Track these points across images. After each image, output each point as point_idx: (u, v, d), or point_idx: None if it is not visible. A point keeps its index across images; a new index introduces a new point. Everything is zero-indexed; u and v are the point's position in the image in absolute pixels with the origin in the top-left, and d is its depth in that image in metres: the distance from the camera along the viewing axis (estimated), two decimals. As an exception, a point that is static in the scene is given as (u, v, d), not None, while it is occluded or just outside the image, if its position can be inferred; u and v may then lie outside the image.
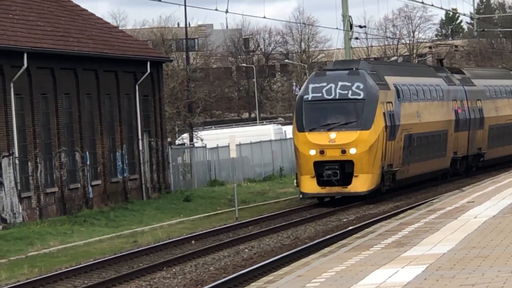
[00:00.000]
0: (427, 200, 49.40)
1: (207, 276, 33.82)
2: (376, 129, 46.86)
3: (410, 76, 59.40)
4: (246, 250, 39.38)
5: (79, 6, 66.63)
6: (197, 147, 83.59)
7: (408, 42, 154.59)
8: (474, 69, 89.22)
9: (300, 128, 47.70)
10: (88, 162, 57.44)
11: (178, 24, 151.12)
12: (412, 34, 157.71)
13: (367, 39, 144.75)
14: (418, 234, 29.55)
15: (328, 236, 41.49)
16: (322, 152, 45.94)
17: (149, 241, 43.87)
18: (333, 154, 45.90)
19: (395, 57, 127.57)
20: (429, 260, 23.38)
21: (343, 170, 46.68)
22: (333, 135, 46.25)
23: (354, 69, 50.24)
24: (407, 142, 54.52)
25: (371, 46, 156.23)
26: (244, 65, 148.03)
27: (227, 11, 60.77)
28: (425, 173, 60.61)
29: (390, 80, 52.80)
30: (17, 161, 49.86)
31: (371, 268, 22.18)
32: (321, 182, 48.09)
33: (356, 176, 46.04)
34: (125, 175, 61.64)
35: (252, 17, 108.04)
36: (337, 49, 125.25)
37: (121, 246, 42.40)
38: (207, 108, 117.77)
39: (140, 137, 63.98)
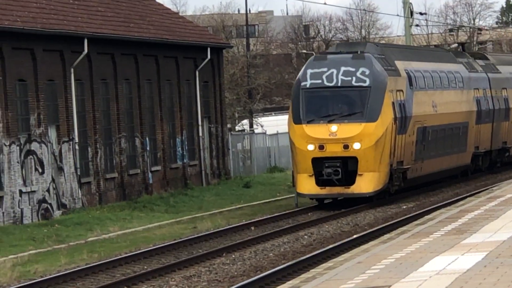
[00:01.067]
0: (487, 188, 49.03)
1: (267, 262, 34.00)
2: (384, 121, 39.75)
3: (425, 61, 51.87)
4: (306, 236, 39.57)
5: (139, -9, 66.46)
6: (257, 134, 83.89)
7: (468, 29, 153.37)
8: (499, 55, 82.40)
9: (296, 120, 40.47)
10: (148, 148, 57.81)
11: (239, 11, 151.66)
12: (472, 22, 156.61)
13: (427, 26, 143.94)
14: (478, 222, 29.59)
15: (387, 223, 41.35)
16: (321, 147, 39.03)
17: (208, 227, 44.20)
18: (334, 150, 39.05)
19: (455, 45, 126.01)
20: (489, 248, 23.20)
21: (345, 168, 39.78)
22: (334, 127, 39.08)
23: (359, 52, 42.85)
24: (420, 136, 47.21)
25: (431, 33, 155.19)
26: (304, 51, 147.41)
27: (287, -2, 60.69)
28: (442, 171, 53.03)
29: (401, 65, 45.79)
30: (77, 147, 50.30)
31: (431, 255, 22.15)
32: (320, 182, 40.77)
33: (361, 175, 39.19)
34: (184, 161, 62.13)
35: (312, 3, 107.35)
36: (398, 36, 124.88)
37: (181, 232, 42.66)
38: (267, 95, 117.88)
39: (200, 123, 64.42)
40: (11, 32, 46.28)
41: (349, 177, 39.58)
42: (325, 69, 40.50)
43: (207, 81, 66.93)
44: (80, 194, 50.41)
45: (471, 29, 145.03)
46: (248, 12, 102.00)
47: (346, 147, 38.82)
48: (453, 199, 47.72)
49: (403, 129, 43.37)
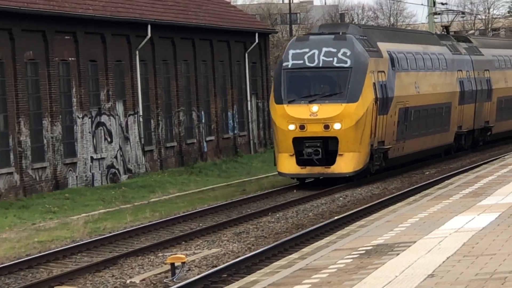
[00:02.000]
0: (500, 156, 48.62)
1: (307, 221, 34.24)
2: (365, 101, 35.50)
3: (408, 43, 46.65)
4: (341, 198, 39.64)
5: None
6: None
7: (483, 17, 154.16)
8: (482, 38, 74.47)
9: (278, 100, 36.16)
10: (203, 121, 58.90)
11: (283, 1, 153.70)
12: (487, 11, 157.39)
13: (447, 14, 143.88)
14: (492, 186, 30.08)
15: (413, 187, 41.01)
16: (302, 127, 34.77)
17: (255, 189, 44.40)
18: (315, 130, 34.82)
19: (472, 31, 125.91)
20: (501, 209, 23.44)
21: (326, 148, 35.54)
22: (315, 108, 34.87)
23: (340, 33, 38.36)
24: (402, 117, 42.10)
25: (452, 21, 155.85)
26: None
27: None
28: (424, 150, 47.99)
29: (384, 46, 40.89)
30: (141, 119, 51.46)
31: (451, 215, 22.44)
32: (301, 162, 36.54)
33: (341, 154, 35.10)
34: (235, 132, 63.47)
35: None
36: (422, 23, 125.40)
37: (231, 194, 43.20)
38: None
39: (248, 98, 65.72)
40: (84, 19, 47.05)
41: (330, 157, 35.66)
42: (306, 50, 36.45)
43: (255, 62, 68.38)
44: (143, 160, 51.48)
45: (486, 17, 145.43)
46: (291, 2, 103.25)
47: (326, 127, 34.93)
48: (470, 166, 47.29)
49: (384, 110, 38.99)
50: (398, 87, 41.04)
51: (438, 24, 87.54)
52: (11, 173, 41.51)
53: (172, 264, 25.33)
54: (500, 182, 30.45)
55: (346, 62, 35.79)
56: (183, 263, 25.90)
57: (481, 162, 47.68)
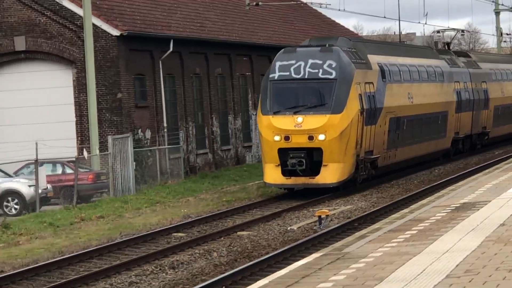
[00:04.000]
0: None
1: (413, 186, 34.02)
2: (349, 112, 28.37)
3: (403, 56, 37.81)
4: (436, 170, 39.44)
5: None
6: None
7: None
8: (481, 54, 65.24)
9: (264, 111, 29.27)
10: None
11: (394, 33, 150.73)
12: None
13: (511, 42, 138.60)
14: None
15: (487, 162, 40.10)
16: (287, 138, 27.85)
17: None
18: (300, 141, 27.95)
19: None
20: None
21: (311, 158, 28.61)
22: (299, 119, 28.05)
23: (327, 45, 31.09)
24: (393, 126, 33.88)
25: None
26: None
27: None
28: (420, 156, 39.00)
29: (374, 59, 33.10)
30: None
31: None
32: (286, 172, 29.25)
33: (326, 165, 27.94)
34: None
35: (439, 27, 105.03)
36: (492, 47, 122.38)
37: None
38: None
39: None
40: (256, 46, 46.81)
41: (315, 167, 28.41)
42: (293, 62, 29.32)
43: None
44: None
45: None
46: (400, 33, 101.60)
47: (311, 138, 27.84)
48: None
49: (372, 120, 31.15)
50: (388, 98, 32.85)
51: (504, 48, 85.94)
52: (206, 153, 42.65)
53: (319, 216, 25.22)
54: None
55: (331, 74, 28.54)
56: (327, 215, 25.83)
57: None
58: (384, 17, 53.93)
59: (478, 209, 18.42)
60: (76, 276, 18.60)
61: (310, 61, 28.91)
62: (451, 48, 47.74)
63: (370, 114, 30.30)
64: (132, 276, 18.43)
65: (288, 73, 29.02)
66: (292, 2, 53.09)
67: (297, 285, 12.90)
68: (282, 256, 19.81)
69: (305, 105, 28.48)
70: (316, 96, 28.85)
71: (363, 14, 74.50)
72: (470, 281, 11.16)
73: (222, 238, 23.83)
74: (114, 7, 39.02)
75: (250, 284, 14.81)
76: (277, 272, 14.44)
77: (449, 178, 34.19)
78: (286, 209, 28.54)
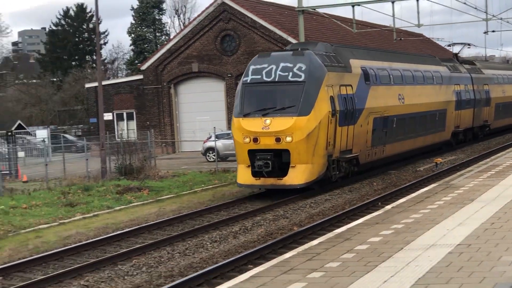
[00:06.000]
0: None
1: (491, 145, 41.38)
2: (317, 114, 26.34)
3: (397, 62, 35.85)
4: (461, 154, 39.27)
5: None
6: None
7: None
8: (486, 62, 66.03)
9: (236, 114, 27.68)
10: None
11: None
12: None
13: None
14: None
15: (504, 145, 42.72)
16: (255, 140, 26.10)
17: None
18: (268, 143, 26.02)
19: None
20: None
21: (279, 159, 26.42)
22: (267, 121, 26.18)
23: (299, 49, 28.97)
24: (379, 125, 31.70)
25: None
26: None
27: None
28: (418, 148, 37.42)
29: (357, 63, 30.95)
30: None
31: None
32: (255, 173, 26.93)
33: (293, 166, 25.95)
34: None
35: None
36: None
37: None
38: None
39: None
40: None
41: (283, 168, 26.29)
42: (265, 65, 27.43)
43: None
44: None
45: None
46: (485, 56, 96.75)
47: (278, 140, 25.78)
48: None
49: (349, 120, 28.91)
50: (372, 99, 31.02)
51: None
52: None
53: (436, 163, 33.29)
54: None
55: (300, 77, 26.59)
56: (441, 162, 33.36)
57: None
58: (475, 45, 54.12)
59: (504, 178, 21.63)
60: None
61: (282, 64, 27.14)
62: (459, 57, 49.33)
63: (347, 114, 28.32)
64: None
65: (260, 76, 27.26)
66: (421, 38, 64.03)
67: (422, 203, 17.60)
68: (414, 185, 26.73)
69: (273, 107, 26.46)
70: (284, 98, 26.71)
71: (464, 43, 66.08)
72: None
73: (378, 174, 31.22)
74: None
75: (396, 201, 19.77)
76: (411, 195, 19.84)
77: (470, 158, 36.24)
78: (418, 159, 36.46)
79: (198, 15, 53.33)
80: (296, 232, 19.10)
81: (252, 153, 25.73)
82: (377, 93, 31.18)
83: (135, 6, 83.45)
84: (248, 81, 26.95)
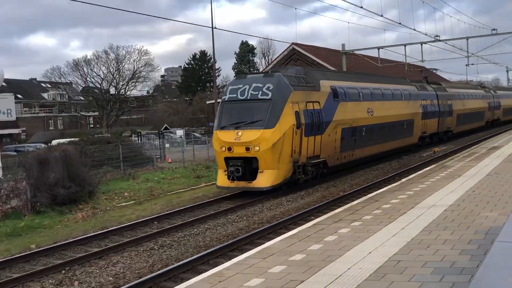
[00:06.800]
0: (500, 132, 44.67)
1: (464, 143, 38.70)
2: (282, 127, 22.54)
3: (367, 82, 30.27)
4: (450, 145, 40.16)
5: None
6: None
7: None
8: (450, 83, 56.86)
9: (215, 127, 23.84)
10: None
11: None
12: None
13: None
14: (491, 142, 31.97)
15: (478, 139, 39.43)
16: (229, 149, 22.52)
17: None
18: (239, 151, 22.44)
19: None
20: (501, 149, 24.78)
21: (250, 166, 22.64)
22: (239, 133, 22.53)
23: (270, 71, 25.36)
24: (348, 133, 26.54)
25: None
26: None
27: None
28: (388, 150, 31.07)
29: (327, 83, 26.24)
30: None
31: (482, 158, 21.47)
32: (229, 177, 22.96)
33: (261, 172, 22.37)
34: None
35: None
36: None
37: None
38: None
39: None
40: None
41: (253, 173, 22.30)
42: (241, 86, 23.32)
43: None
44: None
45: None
46: (481, 84, 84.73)
47: (247, 149, 21.99)
48: (487, 136, 41.56)
49: (317, 131, 23.75)
50: (340, 113, 25.51)
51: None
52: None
53: (434, 151, 32.53)
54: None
55: (267, 95, 22.28)
56: (438, 151, 32.55)
57: (492, 134, 43.25)
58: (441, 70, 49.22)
59: (500, 148, 22.92)
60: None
61: (254, 84, 22.26)
62: (428, 79, 43.10)
63: (313, 126, 23.01)
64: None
65: (235, 95, 22.46)
66: (422, 69, 54.52)
67: (425, 177, 16.82)
68: (420, 166, 25.84)
69: (245, 121, 21.72)
70: (254, 114, 21.88)
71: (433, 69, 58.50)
72: (496, 177, 15.17)
73: (392, 160, 30.16)
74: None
75: (407, 176, 19.47)
76: (418, 172, 19.25)
77: (455, 149, 33.78)
78: (423, 149, 34.97)
79: (277, 57, 53.29)
80: (342, 196, 19.02)
81: (227, 160, 21.42)
82: (345, 108, 25.79)
83: (237, 51, 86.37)
84: (226, 99, 22.25)
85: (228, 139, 21.34)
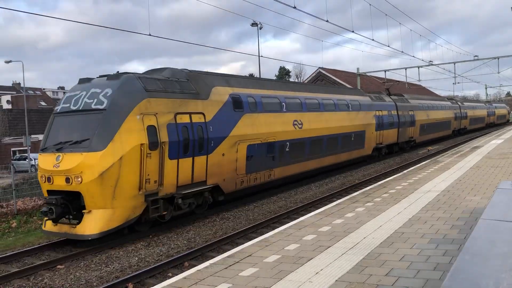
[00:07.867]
0: (468, 140, 37.10)
1: (445, 145, 35.52)
2: (117, 149, 9.85)
3: (297, 92, 18.71)
4: (441, 145, 37.77)
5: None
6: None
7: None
8: (415, 95, 41.15)
9: (40, 147, 11.03)
10: None
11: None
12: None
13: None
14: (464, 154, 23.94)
15: (463, 140, 39.59)
16: (49, 180, 9.85)
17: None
18: (60, 183, 9.62)
19: None
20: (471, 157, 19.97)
21: (78, 202, 10.14)
22: (58, 158, 9.81)
23: (118, 72, 11.77)
24: (260, 151, 15.20)
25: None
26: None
27: None
28: (329, 164, 20.30)
29: (225, 90, 14.16)
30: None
31: (462, 158, 19.00)
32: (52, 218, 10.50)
33: (89, 212, 9.78)
34: None
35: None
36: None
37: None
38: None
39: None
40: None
41: (80, 214, 10.73)
42: (78, 92, 11.42)
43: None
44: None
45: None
46: (478, 98, 73.93)
47: (68, 180, 10.06)
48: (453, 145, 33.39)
49: (198, 151, 12.61)
50: (244, 126, 14.96)
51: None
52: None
53: (428, 149, 30.60)
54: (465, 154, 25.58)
55: (102, 104, 10.97)
56: (431, 149, 30.59)
57: (456, 143, 34.35)
58: (399, 81, 42.40)
59: (465, 158, 18.60)
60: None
61: (92, 90, 11.81)
62: (389, 91, 34.79)
63: (188, 145, 12.78)
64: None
65: (68, 105, 11.97)
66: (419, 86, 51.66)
67: (422, 169, 15.94)
68: (418, 161, 24.38)
69: (69, 141, 11.33)
70: (81, 130, 11.37)
71: (395, 81, 47.89)
72: (478, 169, 14.38)
73: (396, 157, 27.37)
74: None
75: (408, 168, 19.49)
76: (416, 165, 18.35)
77: (449, 146, 31.43)
78: (421, 147, 32.41)
79: (307, 78, 52.94)
80: (358, 183, 18.00)
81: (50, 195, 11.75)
82: (255, 120, 15.80)
83: (277, 74, 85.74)
84: (58, 110, 12.15)
85: (47, 166, 11.34)
